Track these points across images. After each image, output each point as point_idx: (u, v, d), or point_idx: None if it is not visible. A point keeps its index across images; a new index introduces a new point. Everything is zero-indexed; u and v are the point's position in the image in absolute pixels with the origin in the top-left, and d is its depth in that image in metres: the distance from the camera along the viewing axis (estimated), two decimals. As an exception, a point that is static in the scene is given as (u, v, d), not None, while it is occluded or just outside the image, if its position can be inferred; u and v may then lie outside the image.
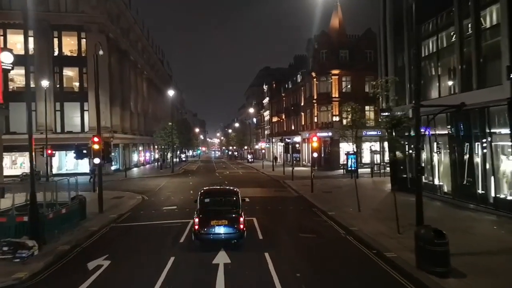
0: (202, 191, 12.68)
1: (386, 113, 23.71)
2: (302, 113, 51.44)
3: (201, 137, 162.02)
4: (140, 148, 60.21)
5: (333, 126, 43.23)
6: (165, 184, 31.43)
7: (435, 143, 19.94)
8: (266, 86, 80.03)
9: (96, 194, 24.06)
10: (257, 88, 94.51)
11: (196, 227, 11.22)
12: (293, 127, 58.49)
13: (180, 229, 14.17)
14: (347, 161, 39.23)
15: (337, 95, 43.30)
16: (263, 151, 74.90)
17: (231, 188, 13.41)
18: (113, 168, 43.59)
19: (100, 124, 18.89)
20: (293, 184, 28.58)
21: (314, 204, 19.68)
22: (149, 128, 60.90)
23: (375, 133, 42.94)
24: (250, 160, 68.08)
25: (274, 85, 73.47)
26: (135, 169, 50.81)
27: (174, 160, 70.99)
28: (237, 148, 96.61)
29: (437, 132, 19.54)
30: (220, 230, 11.17)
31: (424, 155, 21.01)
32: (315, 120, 45.20)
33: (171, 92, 48.18)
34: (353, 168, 38.71)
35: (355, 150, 17.21)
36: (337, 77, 43.29)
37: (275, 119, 70.30)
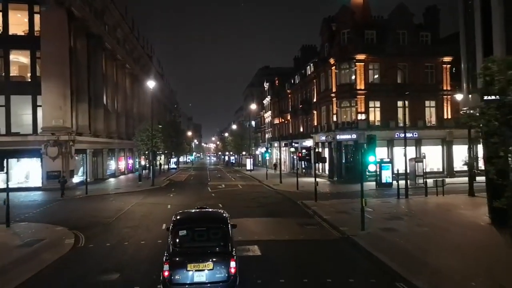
0: (177, 217, 9.01)
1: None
2: (315, 112, 41.95)
3: (196, 141, 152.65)
4: (121, 155, 50.57)
5: (357, 126, 33.91)
6: (131, 207, 21.78)
7: None
8: (267, 84, 70.40)
9: (11, 229, 14.42)
10: (256, 88, 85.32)
11: (166, 273, 7.70)
12: (301, 129, 49.04)
13: None
14: (380, 172, 30.15)
15: (362, 87, 33.97)
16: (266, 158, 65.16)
17: (218, 211, 10.07)
18: (76, 180, 34.00)
19: None
20: (321, 210, 19.03)
21: (389, 266, 10.19)
22: (133, 131, 51.16)
23: (411, 135, 34.14)
24: (249, 168, 58.41)
25: (276, 81, 64.07)
26: (111, 180, 41.36)
27: (162, 168, 62.01)
28: (234, 154, 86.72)
29: None
30: (202, 277, 7.71)
31: None
32: (334, 118, 35.79)
33: (151, 84, 38.46)
34: (387, 182, 29.98)
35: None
36: (363, 63, 33.94)
37: (278, 120, 60.72)
